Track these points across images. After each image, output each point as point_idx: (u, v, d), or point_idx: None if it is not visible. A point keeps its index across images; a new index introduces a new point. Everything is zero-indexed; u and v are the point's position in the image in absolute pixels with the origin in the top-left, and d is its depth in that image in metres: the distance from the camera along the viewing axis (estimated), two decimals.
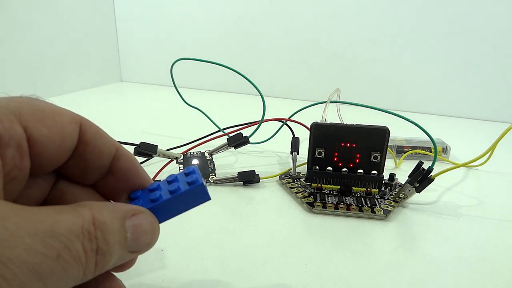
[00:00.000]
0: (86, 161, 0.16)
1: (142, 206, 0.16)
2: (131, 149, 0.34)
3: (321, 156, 0.34)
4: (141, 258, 0.24)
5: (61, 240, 0.11)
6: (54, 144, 0.14)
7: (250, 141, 0.37)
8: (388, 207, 0.32)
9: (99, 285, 0.15)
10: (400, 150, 0.45)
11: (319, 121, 0.34)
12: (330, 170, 0.35)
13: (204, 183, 0.17)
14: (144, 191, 0.17)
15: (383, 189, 0.34)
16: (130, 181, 0.17)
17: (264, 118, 0.38)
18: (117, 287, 0.16)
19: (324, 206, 0.31)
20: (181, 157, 0.37)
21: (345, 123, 0.35)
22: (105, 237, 0.13)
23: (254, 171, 0.36)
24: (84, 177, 0.16)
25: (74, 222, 0.12)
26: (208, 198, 0.18)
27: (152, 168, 0.39)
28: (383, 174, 0.34)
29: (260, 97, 0.38)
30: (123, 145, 0.18)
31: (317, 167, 0.35)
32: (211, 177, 0.36)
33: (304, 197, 0.33)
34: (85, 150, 0.15)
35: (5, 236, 0.10)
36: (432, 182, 0.31)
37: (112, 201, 0.18)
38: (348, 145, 0.33)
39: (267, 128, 0.42)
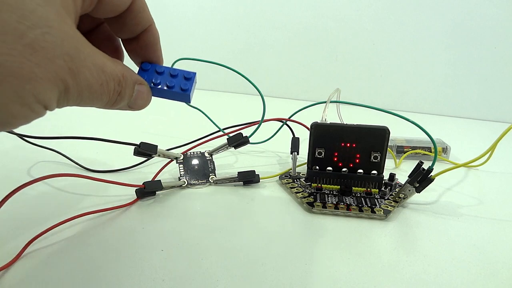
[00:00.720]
0: (125, 24, 0.21)
1: (146, 80, 0.22)
2: (131, 149, 0.34)
3: (321, 156, 0.34)
4: (141, 258, 0.25)
5: (105, 76, 0.18)
6: (111, 3, 0.19)
7: (250, 141, 0.37)
8: (388, 207, 0.32)
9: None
10: (400, 150, 0.45)
11: (319, 121, 0.34)
12: (330, 170, 0.35)
13: (192, 91, 0.24)
14: (153, 66, 0.23)
15: (383, 189, 0.34)
16: (147, 52, 0.23)
17: (264, 118, 0.38)
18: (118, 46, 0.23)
19: (324, 206, 0.31)
20: (181, 157, 0.37)
21: (345, 123, 0.35)
22: (125, 88, 0.19)
23: (254, 171, 0.36)
24: (118, 33, 0.22)
25: (114, 69, 0.18)
26: (189, 101, 0.24)
27: (152, 168, 0.39)
28: (383, 174, 0.34)
29: (260, 97, 0.38)
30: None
31: (317, 167, 0.35)
32: (211, 177, 0.36)
33: (304, 197, 0.33)
34: (128, 16, 0.21)
35: (83, 57, 0.16)
36: (432, 182, 0.31)
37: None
38: (348, 145, 0.33)
39: (267, 128, 0.42)
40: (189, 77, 0.23)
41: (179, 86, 0.23)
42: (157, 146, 0.34)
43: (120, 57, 0.24)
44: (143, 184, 0.32)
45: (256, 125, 0.39)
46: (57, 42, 0.15)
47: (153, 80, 0.22)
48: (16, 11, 0.14)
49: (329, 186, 0.34)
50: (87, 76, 0.17)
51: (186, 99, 0.23)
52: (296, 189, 0.34)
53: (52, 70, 0.15)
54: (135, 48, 0.23)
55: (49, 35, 0.15)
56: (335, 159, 0.34)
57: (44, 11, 0.15)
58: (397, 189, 0.34)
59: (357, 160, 0.34)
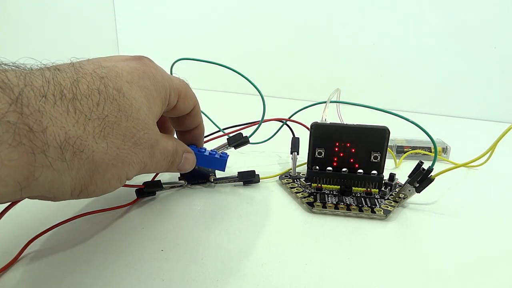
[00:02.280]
0: (184, 122, 0.29)
1: (193, 150, 0.29)
2: None
3: (321, 156, 0.34)
4: (141, 258, 0.25)
5: (166, 153, 0.25)
6: (180, 110, 0.28)
7: (250, 141, 0.37)
8: (388, 207, 0.32)
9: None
10: (400, 150, 0.45)
11: (319, 121, 0.34)
12: (330, 170, 0.35)
13: (226, 162, 0.32)
14: (196, 148, 0.31)
15: (383, 189, 0.34)
16: (193, 141, 0.31)
17: (264, 118, 0.38)
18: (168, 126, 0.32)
19: (324, 206, 0.31)
20: None
21: (345, 123, 0.35)
22: (176, 157, 0.26)
23: (254, 171, 0.36)
24: (176, 127, 0.31)
25: (172, 146, 0.25)
26: (224, 170, 0.32)
27: None
28: (383, 174, 0.34)
29: (260, 97, 0.38)
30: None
31: (317, 167, 0.35)
32: (211, 177, 0.36)
33: (304, 197, 0.33)
34: (187, 117, 0.29)
35: (157, 144, 0.23)
36: (432, 182, 0.31)
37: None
38: (348, 145, 0.33)
39: (267, 128, 0.42)
40: (223, 155, 0.32)
41: (218, 154, 0.31)
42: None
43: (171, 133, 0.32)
44: (143, 184, 0.32)
45: (256, 125, 0.39)
46: (150, 138, 0.22)
47: (198, 150, 0.30)
48: (134, 120, 0.21)
49: (329, 186, 0.34)
50: (158, 156, 0.23)
51: (223, 165, 0.31)
52: (296, 189, 0.34)
53: (141, 156, 0.21)
54: (186, 137, 0.31)
55: (147, 134, 0.22)
56: (335, 159, 0.34)
57: (148, 119, 0.22)
58: (397, 189, 0.34)
59: (357, 160, 0.34)
